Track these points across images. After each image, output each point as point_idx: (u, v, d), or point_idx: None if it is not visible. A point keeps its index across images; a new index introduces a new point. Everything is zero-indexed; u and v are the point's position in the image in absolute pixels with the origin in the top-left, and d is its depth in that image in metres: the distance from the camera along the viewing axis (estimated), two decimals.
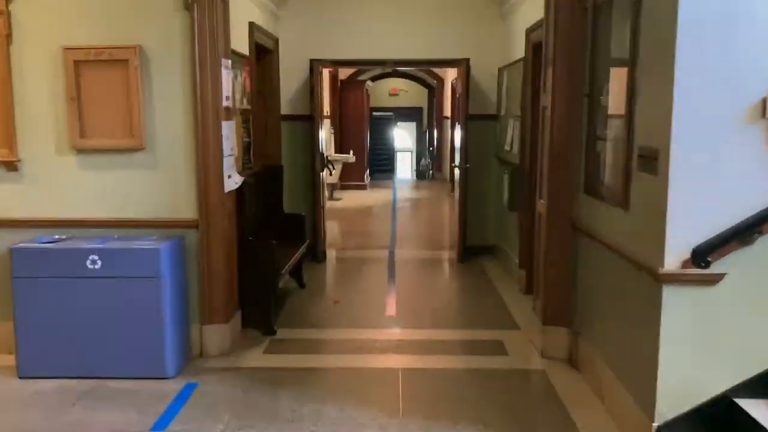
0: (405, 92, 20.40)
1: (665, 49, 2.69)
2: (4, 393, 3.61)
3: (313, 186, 6.74)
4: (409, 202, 11.89)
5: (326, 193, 10.21)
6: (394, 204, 11.44)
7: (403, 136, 24.40)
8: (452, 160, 12.09)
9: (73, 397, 3.52)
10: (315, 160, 6.65)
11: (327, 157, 7.03)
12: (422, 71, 15.10)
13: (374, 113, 20.51)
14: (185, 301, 4.01)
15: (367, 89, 13.81)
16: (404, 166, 24.63)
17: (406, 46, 6.82)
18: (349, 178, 13.32)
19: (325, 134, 11.27)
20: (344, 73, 13.96)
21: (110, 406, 3.42)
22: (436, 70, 14.95)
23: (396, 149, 23.72)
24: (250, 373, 3.86)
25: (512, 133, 5.89)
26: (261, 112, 6.24)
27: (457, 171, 6.90)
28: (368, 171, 14.67)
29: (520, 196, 5.56)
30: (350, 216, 10.16)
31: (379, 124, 22.34)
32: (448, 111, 13.63)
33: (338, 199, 11.78)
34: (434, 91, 18.99)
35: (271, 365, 4.01)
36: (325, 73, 10.73)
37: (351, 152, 11.94)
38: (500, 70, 6.66)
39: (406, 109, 20.78)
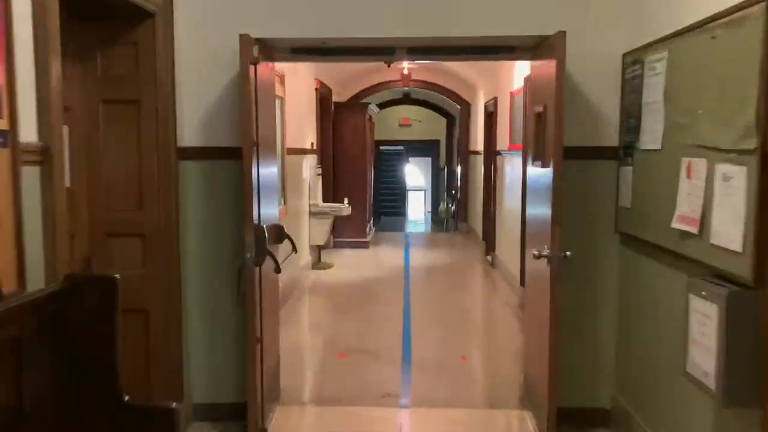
0: (418, 123, 17.08)
1: None
2: None
3: (243, 302, 3.22)
4: (427, 272, 8.36)
5: (310, 258, 6.70)
6: (406, 277, 7.91)
7: (415, 173, 21.16)
8: (486, 210, 8.61)
9: None
10: (246, 244, 3.14)
11: (278, 228, 3.58)
12: (444, 92, 11.73)
13: (381, 148, 17.23)
14: None
15: (370, 115, 10.43)
16: (416, 206, 21.39)
17: (437, 16, 3.40)
18: (346, 233, 9.86)
19: (307, 175, 7.88)
20: (340, 93, 10.61)
21: None
22: (463, 91, 11.59)
23: (407, 187, 20.48)
24: None
25: (703, 190, 2.39)
26: (113, 144, 2.84)
27: (532, 259, 3.40)
28: (371, 222, 11.22)
29: (757, 370, 2.03)
30: (339, 303, 6.65)
31: (387, 160, 19.03)
32: (478, 143, 10.21)
33: (328, 267, 8.29)
34: (454, 121, 15.66)
35: None
36: (305, 83, 7.32)
37: (346, 201, 8.50)
38: (630, 56, 3.22)
39: (419, 142, 17.44)
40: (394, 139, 17.11)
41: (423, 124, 16.91)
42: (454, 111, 14.96)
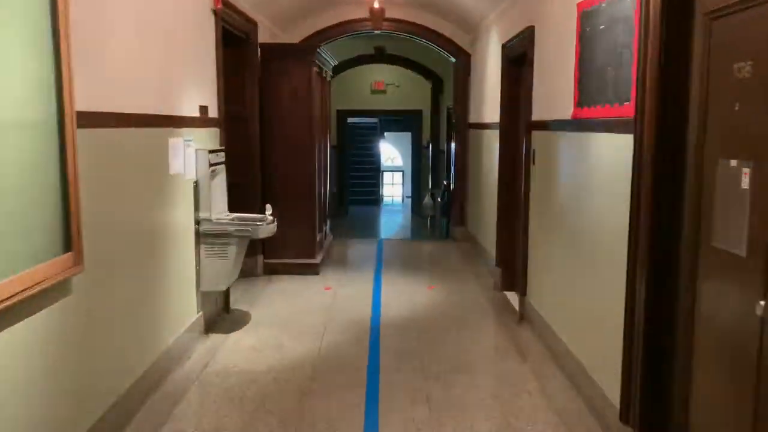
0: (396, 87, 13.38)
1: None
2: None
3: None
4: (409, 339, 4.75)
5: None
6: (372, 358, 4.32)
7: (392, 153, 17.65)
8: (506, 218, 5.07)
9: None
10: None
11: None
12: (431, 37, 8.04)
13: (349, 120, 13.57)
14: None
15: (321, 67, 6.75)
16: (393, 191, 17.96)
17: None
18: (284, 253, 6.28)
19: (185, 168, 4.08)
20: (279, 37, 6.90)
21: None
22: (460, 37, 7.97)
23: (382, 168, 16.96)
24: None
25: None
26: None
27: None
28: (327, 228, 7.61)
29: None
30: None
31: (356, 135, 15.39)
32: (486, 112, 6.61)
33: (238, 327, 4.71)
34: (442, 85, 12.06)
35: None
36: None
37: (268, 209, 4.85)
38: None
39: (397, 113, 13.79)
40: (365, 109, 13.43)
41: (402, 89, 13.24)
42: (443, 72, 11.36)
